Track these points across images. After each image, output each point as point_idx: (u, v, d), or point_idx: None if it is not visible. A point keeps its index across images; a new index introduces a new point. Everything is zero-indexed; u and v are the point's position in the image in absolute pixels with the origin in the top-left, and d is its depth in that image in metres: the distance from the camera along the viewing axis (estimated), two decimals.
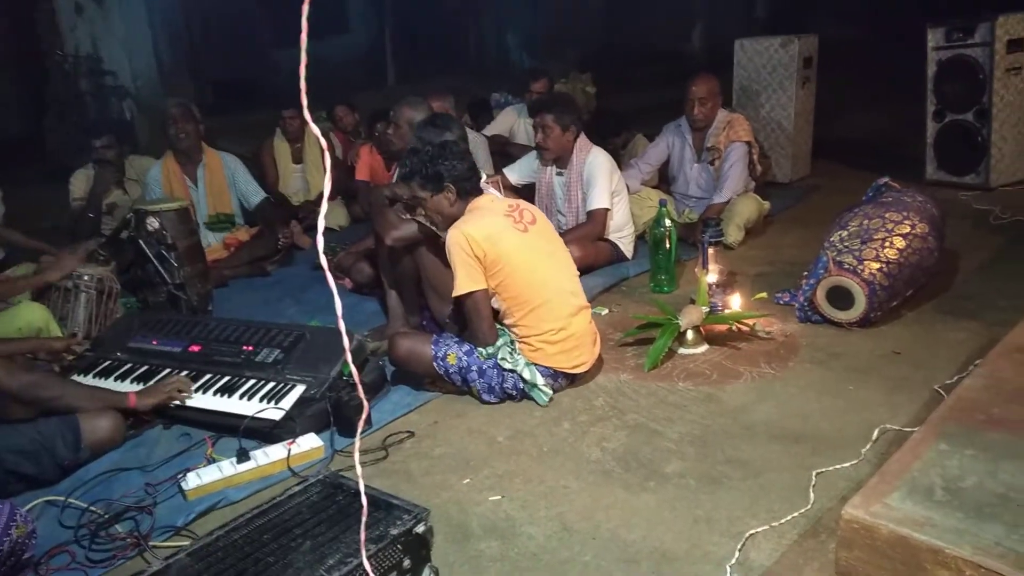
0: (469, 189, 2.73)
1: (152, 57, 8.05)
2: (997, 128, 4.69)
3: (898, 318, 3.08)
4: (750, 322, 3.06)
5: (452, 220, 2.73)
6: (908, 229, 3.06)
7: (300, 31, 0.99)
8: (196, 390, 2.71)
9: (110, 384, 2.83)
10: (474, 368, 2.68)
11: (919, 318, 3.08)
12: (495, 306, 2.68)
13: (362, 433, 2.53)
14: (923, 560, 1.60)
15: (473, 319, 2.68)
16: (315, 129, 1.04)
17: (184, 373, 2.81)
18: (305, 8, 0.88)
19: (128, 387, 2.76)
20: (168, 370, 2.86)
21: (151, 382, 2.76)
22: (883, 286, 2.94)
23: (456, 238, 2.61)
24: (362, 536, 1.12)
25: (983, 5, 4.63)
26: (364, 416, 1.10)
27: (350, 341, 2.72)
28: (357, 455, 1.11)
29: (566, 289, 2.72)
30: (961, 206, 4.50)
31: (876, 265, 2.95)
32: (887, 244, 3.01)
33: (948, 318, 3.06)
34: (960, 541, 1.57)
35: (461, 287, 2.61)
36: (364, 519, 1.09)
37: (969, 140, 4.78)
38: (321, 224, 1.00)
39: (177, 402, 2.65)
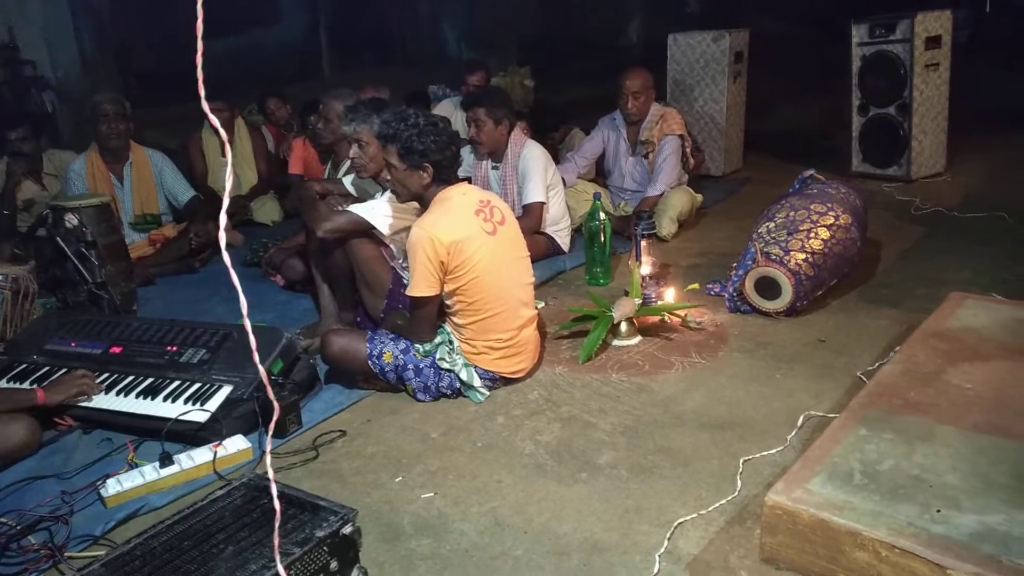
0: (446, 177, 2.61)
1: (75, 47, 7.72)
2: (917, 122, 4.86)
3: (823, 307, 3.17)
4: (682, 313, 3.10)
5: (416, 198, 2.65)
6: (832, 220, 3.14)
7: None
8: (118, 393, 2.62)
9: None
10: (411, 367, 2.64)
11: (843, 307, 3.18)
12: (446, 302, 2.64)
13: (293, 433, 2.49)
14: (842, 543, 1.64)
15: (417, 319, 2.63)
16: (214, 120, 1.00)
17: (105, 376, 2.70)
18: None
19: None
20: (65, 370, 2.76)
21: (53, 378, 2.68)
22: (808, 276, 3.01)
23: (420, 238, 2.49)
24: (275, 541, 1.08)
25: (905, 3, 4.80)
26: (275, 418, 1.06)
27: (279, 338, 2.69)
28: (269, 459, 1.07)
29: (520, 300, 2.70)
30: (884, 197, 4.66)
31: (802, 256, 3.03)
32: (812, 235, 3.09)
33: (870, 306, 3.16)
34: (876, 523, 1.63)
35: (415, 288, 2.53)
36: (277, 524, 1.06)
37: (892, 134, 4.95)
38: (223, 220, 0.95)
39: (83, 399, 2.56)
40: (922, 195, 4.58)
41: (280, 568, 1.10)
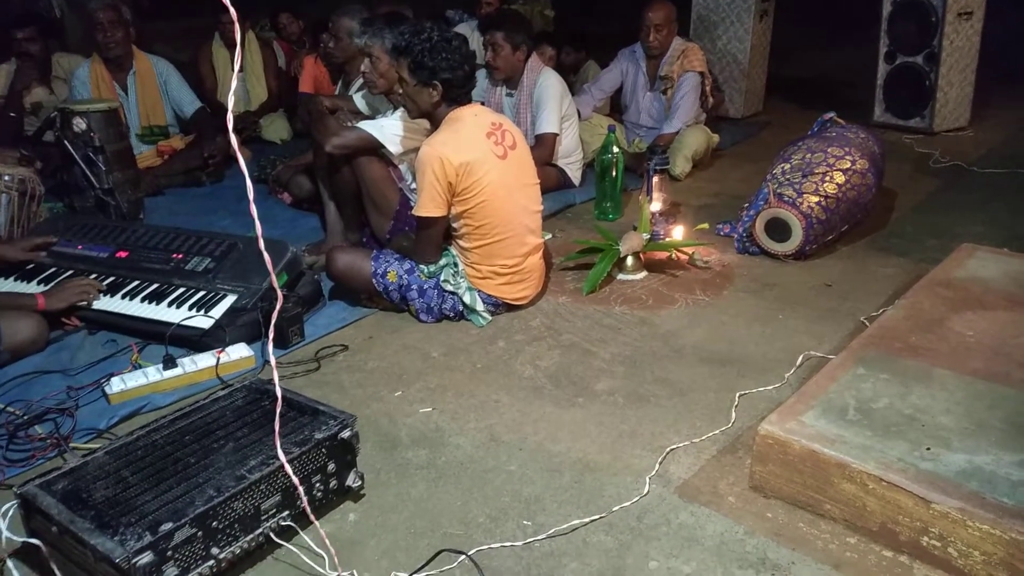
0: (456, 97, 2.55)
1: None
2: (944, 73, 4.74)
3: (832, 252, 3.15)
4: (689, 251, 3.09)
5: (426, 115, 2.61)
6: (848, 165, 3.10)
7: None
8: (124, 296, 2.64)
9: (32, 289, 2.73)
10: (414, 287, 2.65)
11: (852, 253, 3.16)
12: (453, 224, 2.63)
13: (295, 345, 2.51)
14: (831, 474, 1.67)
15: (422, 240, 2.62)
16: (232, 11, 0.96)
17: (111, 279, 2.72)
18: None
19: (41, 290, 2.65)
20: (71, 272, 2.77)
21: (53, 283, 2.70)
22: (820, 220, 2.99)
23: (430, 158, 2.46)
24: (276, 425, 1.10)
25: None
26: (279, 307, 1.06)
27: (284, 252, 2.69)
28: (271, 345, 1.08)
29: (527, 227, 2.68)
30: (904, 148, 4.58)
31: (815, 199, 2.99)
32: (827, 179, 3.04)
33: (880, 254, 3.14)
34: (866, 457, 1.65)
35: (422, 208, 2.52)
36: (278, 412, 1.07)
37: (917, 84, 4.83)
38: (233, 139, 0.94)
39: (84, 303, 2.58)
40: (942, 148, 4.50)
41: (280, 454, 1.12)
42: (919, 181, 4.04)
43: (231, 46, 5.14)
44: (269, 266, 0.99)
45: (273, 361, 1.01)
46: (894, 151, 4.27)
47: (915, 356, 2.04)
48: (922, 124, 4.89)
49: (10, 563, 1.58)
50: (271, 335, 1.09)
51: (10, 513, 1.56)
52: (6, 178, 3.24)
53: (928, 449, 1.66)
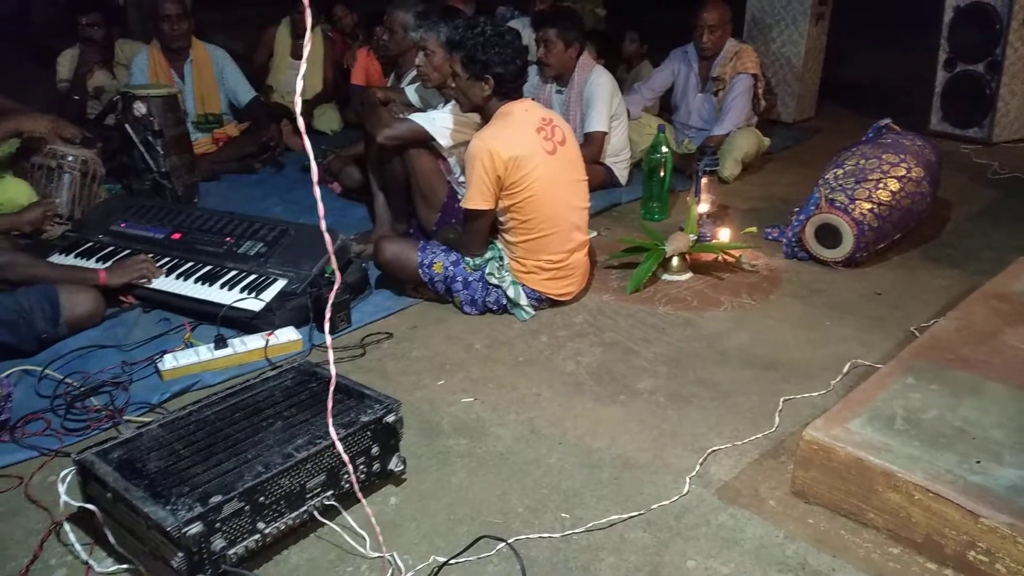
0: (508, 91, 2.58)
1: None
2: (1007, 82, 4.61)
3: (883, 260, 3.09)
4: (736, 253, 3.06)
5: (477, 109, 2.64)
6: (903, 172, 3.04)
7: None
8: (178, 277, 2.71)
9: (92, 265, 2.81)
10: (459, 279, 2.67)
11: (904, 262, 3.10)
12: (500, 218, 2.64)
13: (342, 331, 2.56)
14: (876, 483, 1.65)
15: (469, 232, 2.65)
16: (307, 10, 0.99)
17: (166, 260, 2.80)
18: None
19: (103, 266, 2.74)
20: (128, 251, 2.86)
21: (116, 259, 2.80)
22: (872, 227, 2.93)
23: (479, 151, 2.49)
24: (329, 404, 1.13)
25: None
26: (336, 285, 1.09)
27: (334, 239, 2.73)
28: (328, 325, 1.11)
29: (573, 223, 2.69)
30: (961, 158, 4.47)
31: (867, 206, 2.94)
32: (881, 186, 2.99)
33: (932, 264, 3.07)
34: (913, 467, 1.62)
35: (470, 201, 2.55)
36: (332, 388, 1.10)
37: (977, 92, 4.70)
38: (301, 124, 0.96)
39: (144, 281, 2.66)
40: (1002, 159, 4.38)
41: (331, 431, 1.15)
42: (976, 192, 3.95)
43: (297, 36, 5.21)
44: (329, 246, 1.01)
45: (329, 340, 1.04)
46: (951, 161, 4.16)
47: (967, 368, 2.00)
48: (981, 134, 4.77)
49: (66, 526, 1.64)
50: (328, 315, 1.12)
51: (68, 479, 1.62)
52: (70, 158, 3.35)
53: (978, 462, 1.63)
